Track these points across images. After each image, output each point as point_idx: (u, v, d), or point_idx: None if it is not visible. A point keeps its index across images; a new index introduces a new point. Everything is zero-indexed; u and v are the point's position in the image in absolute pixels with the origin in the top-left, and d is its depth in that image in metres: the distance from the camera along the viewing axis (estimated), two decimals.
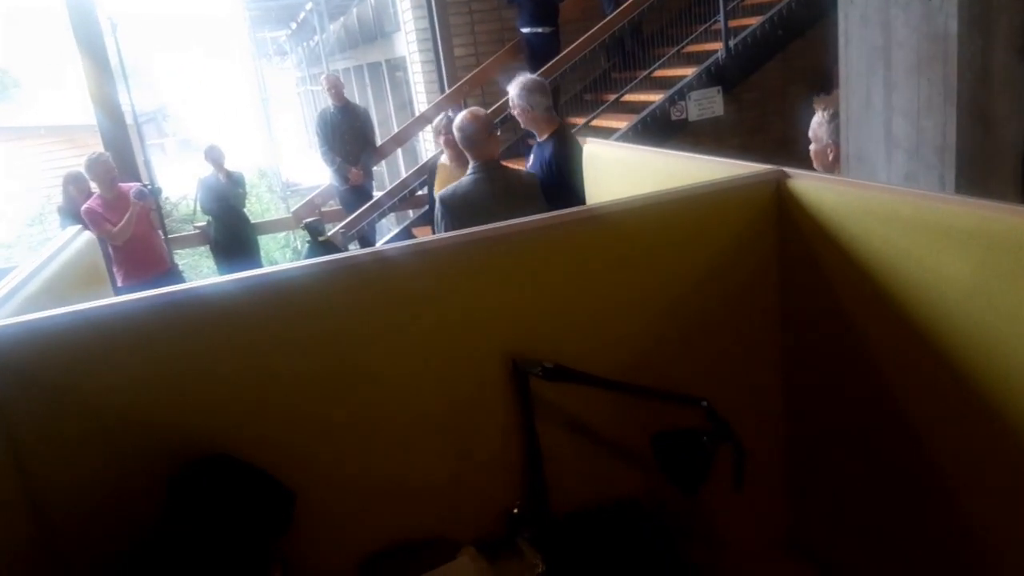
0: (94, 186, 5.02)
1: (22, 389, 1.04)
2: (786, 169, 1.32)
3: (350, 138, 6.24)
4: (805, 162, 2.56)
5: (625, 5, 5.95)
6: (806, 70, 6.60)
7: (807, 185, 1.26)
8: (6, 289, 1.27)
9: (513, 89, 3.38)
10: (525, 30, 6.38)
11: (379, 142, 6.75)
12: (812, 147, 2.55)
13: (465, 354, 1.23)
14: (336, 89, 6.28)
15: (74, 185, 5.27)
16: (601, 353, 1.27)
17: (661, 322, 1.31)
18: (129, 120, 5.96)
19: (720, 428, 1.14)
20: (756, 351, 1.38)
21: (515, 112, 3.40)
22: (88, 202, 4.87)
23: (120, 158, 5.33)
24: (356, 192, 6.28)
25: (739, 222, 1.32)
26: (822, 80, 6.23)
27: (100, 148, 5.35)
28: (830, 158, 2.48)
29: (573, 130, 5.96)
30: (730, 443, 1.15)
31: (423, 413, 1.23)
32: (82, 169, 5.11)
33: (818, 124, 2.51)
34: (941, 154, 2.07)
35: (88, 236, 1.90)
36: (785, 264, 1.33)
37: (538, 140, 3.43)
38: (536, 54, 6.25)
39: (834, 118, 2.42)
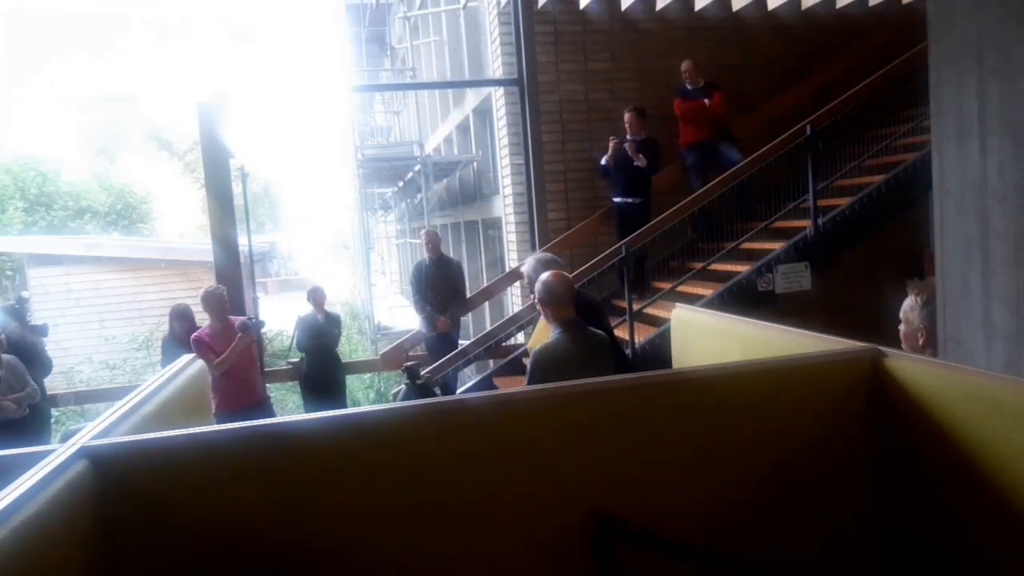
0: (199, 318, 5.35)
1: (125, 501, 1.11)
2: (882, 348, 1.32)
3: (441, 288, 6.52)
4: (891, 341, 2.51)
5: (713, 183, 6.19)
6: (895, 251, 6.57)
7: (904, 365, 1.26)
8: (127, 407, 1.39)
9: (539, 277, 3.17)
10: (617, 199, 6.68)
11: (468, 294, 7.00)
12: (902, 329, 2.51)
13: (545, 506, 1.23)
14: (433, 244, 6.65)
15: (178, 320, 5.65)
16: (685, 515, 1.25)
17: (748, 489, 1.29)
18: (243, 259, 6.42)
19: None
20: (848, 527, 1.33)
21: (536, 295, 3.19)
22: (198, 331, 5.19)
23: (230, 292, 5.70)
24: (442, 339, 6.47)
25: (832, 396, 1.31)
26: (912, 262, 6.17)
27: (212, 282, 5.76)
28: (920, 342, 2.44)
29: (657, 294, 6.05)
30: None
31: (500, 562, 1.22)
32: (197, 299, 5.48)
33: (910, 308, 2.49)
34: None
35: (200, 365, 2.04)
36: (879, 442, 1.30)
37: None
38: (625, 222, 6.49)
39: (927, 304, 2.40)
